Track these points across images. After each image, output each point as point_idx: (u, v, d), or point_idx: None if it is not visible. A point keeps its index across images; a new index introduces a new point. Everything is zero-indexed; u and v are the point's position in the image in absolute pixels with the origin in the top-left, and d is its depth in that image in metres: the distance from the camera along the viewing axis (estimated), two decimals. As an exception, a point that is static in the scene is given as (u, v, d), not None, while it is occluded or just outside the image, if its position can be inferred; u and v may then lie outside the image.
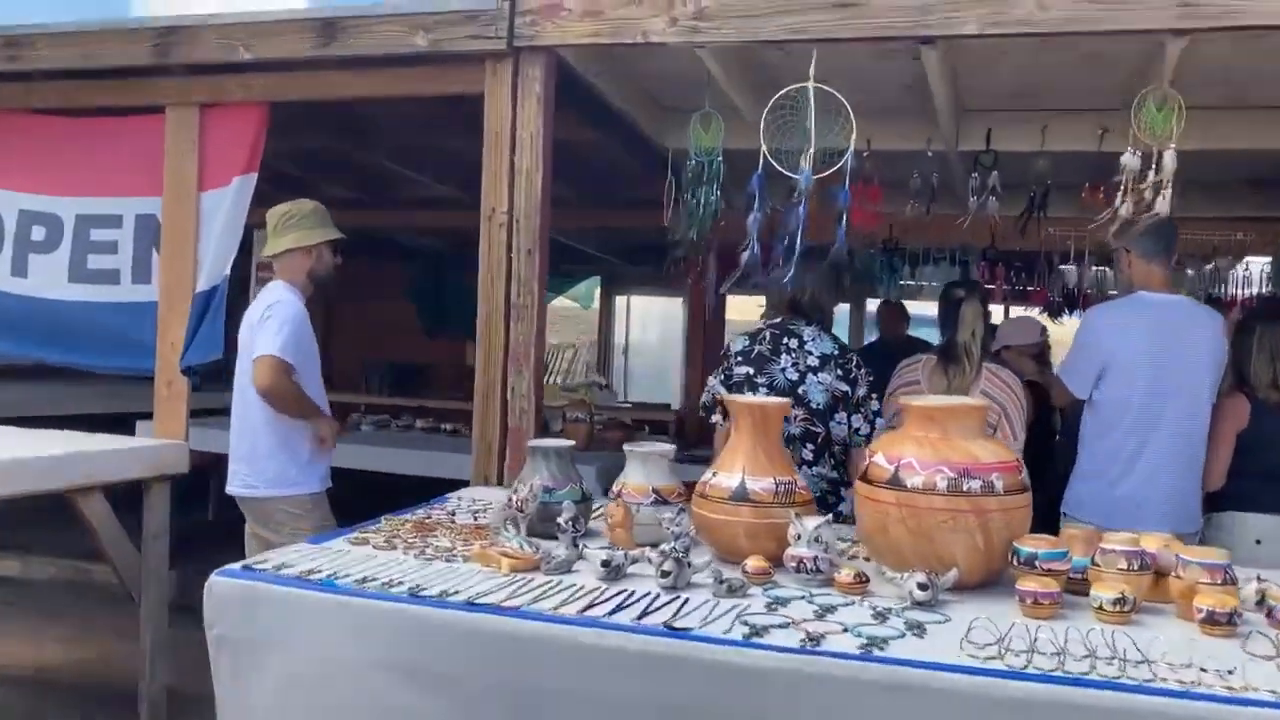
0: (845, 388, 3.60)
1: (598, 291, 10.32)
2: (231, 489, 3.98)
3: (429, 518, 3.17)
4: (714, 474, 2.82)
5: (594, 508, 3.11)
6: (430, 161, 6.18)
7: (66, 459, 3.76)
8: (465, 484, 3.83)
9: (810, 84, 3.34)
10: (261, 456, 3.84)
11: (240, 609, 2.50)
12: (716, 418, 3.69)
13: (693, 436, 6.16)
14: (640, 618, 2.25)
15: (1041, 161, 4.73)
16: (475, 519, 3.18)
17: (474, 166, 3.86)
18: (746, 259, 3.49)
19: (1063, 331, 5.57)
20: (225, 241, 4.23)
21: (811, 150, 3.28)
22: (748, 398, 3.19)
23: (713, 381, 3.73)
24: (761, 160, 3.41)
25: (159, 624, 4.19)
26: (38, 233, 4.46)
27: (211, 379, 5.11)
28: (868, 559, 2.69)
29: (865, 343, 8.29)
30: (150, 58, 4.18)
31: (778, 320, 3.72)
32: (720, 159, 3.80)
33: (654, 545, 2.60)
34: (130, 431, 5.99)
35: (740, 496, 2.73)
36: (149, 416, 6.88)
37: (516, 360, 3.78)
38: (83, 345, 4.45)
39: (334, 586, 2.46)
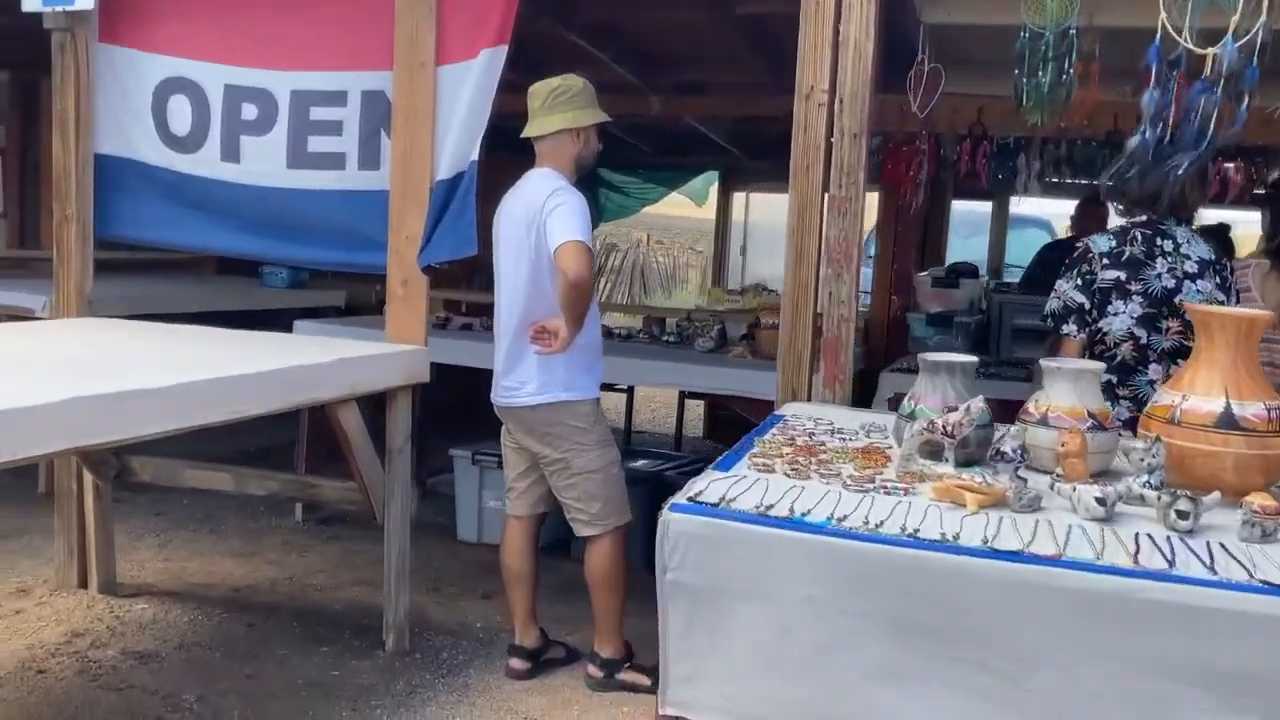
0: (1222, 297, 3.19)
1: (714, 188, 9.80)
2: (503, 399, 3.59)
3: (793, 440, 2.79)
4: (1183, 397, 2.43)
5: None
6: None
7: (330, 368, 3.35)
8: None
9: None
10: (548, 359, 3.43)
11: (704, 551, 2.12)
12: (1070, 328, 3.29)
13: (876, 346, 5.76)
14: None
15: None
16: (844, 442, 2.80)
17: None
18: (1135, 145, 3.04)
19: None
20: (470, 124, 3.74)
21: (1237, 16, 2.82)
22: (1229, 310, 2.82)
23: (1065, 286, 3.32)
24: (1160, 29, 2.94)
25: (402, 545, 3.84)
26: (248, 111, 3.96)
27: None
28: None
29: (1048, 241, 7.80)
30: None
31: (1143, 219, 3.29)
32: (1075, 30, 3.32)
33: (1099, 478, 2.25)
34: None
35: (1228, 424, 2.35)
36: (251, 315, 6.52)
37: (835, 260, 3.35)
38: (303, 239, 4.00)
39: (822, 527, 2.09)
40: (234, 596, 4.33)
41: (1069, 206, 6.69)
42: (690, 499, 2.19)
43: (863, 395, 4.63)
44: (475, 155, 3.75)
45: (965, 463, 2.49)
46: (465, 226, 3.75)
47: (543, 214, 3.38)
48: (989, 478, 2.35)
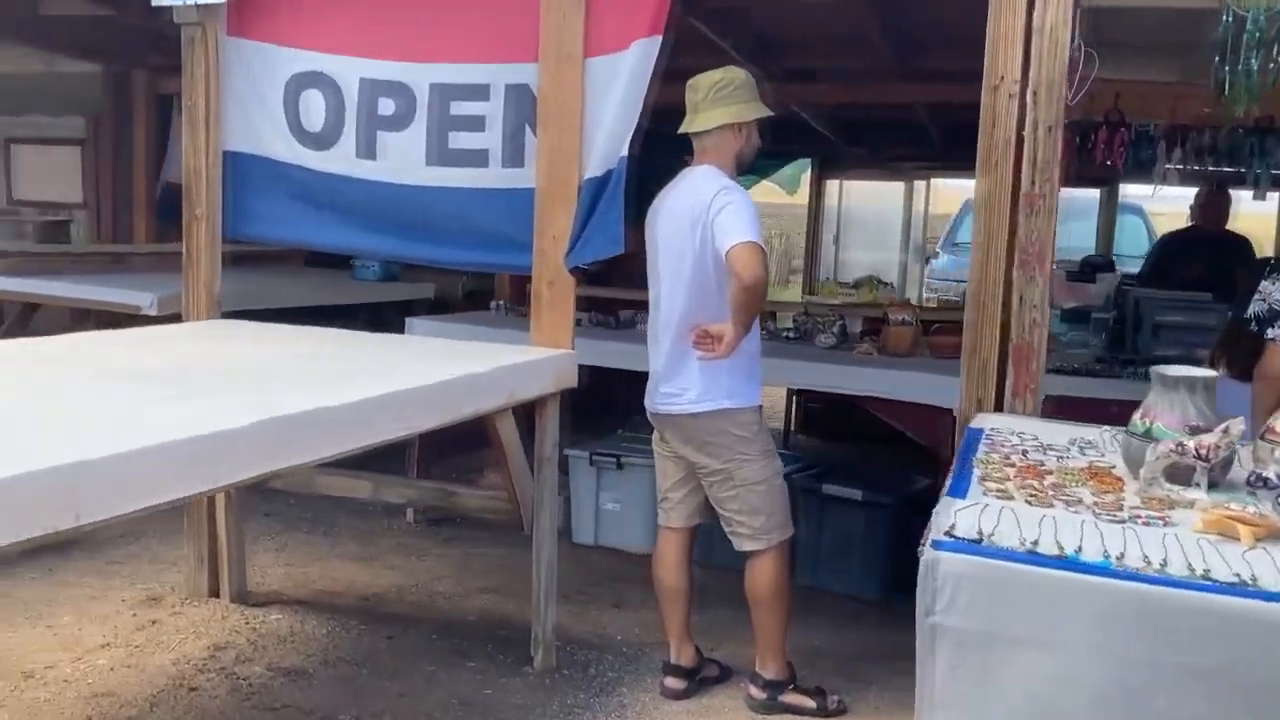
0: None
1: (806, 175, 9.57)
2: (661, 406, 3.43)
3: (1010, 460, 2.60)
4: None
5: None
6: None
7: (493, 377, 3.20)
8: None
9: None
10: (711, 365, 3.27)
11: (974, 593, 1.95)
12: (1276, 332, 3.07)
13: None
14: None
15: None
16: (1060, 460, 2.61)
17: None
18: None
19: None
20: (622, 119, 3.56)
21: None
22: None
23: (1271, 289, 3.11)
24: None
25: (551, 559, 3.69)
26: (385, 106, 3.81)
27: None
28: None
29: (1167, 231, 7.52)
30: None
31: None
32: (1289, 14, 3.09)
33: None
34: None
35: None
36: (344, 309, 6.39)
37: (1027, 262, 3.15)
38: (441, 239, 3.85)
39: (1103, 568, 1.90)
40: (364, 606, 4.22)
41: (1168, 192, 6.43)
42: (952, 534, 2.01)
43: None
44: (625, 151, 3.57)
45: (1213, 486, 2.29)
46: (614, 225, 3.58)
47: (710, 213, 3.21)
48: (1259, 507, 2.15)
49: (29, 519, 1.76)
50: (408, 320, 5.36)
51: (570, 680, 3.63)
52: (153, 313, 5.53)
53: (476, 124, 3.74)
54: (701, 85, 3.35)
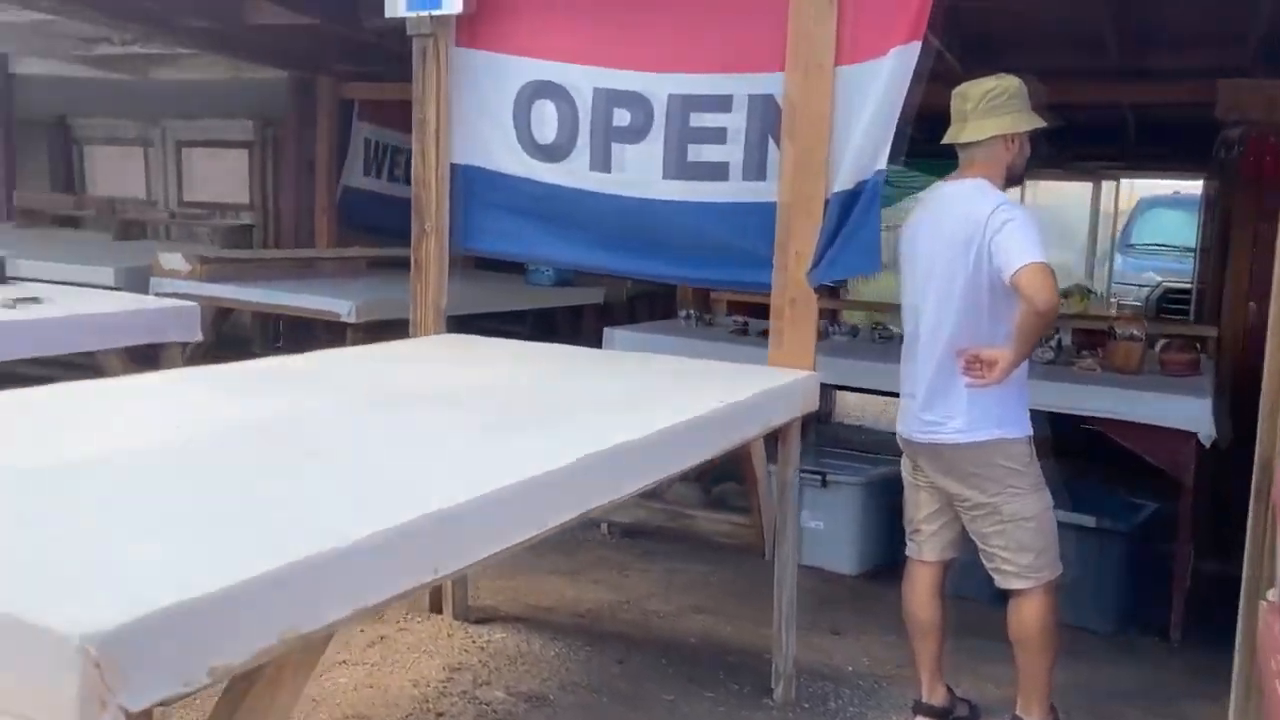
0: None
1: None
2: (920, 434, 3.25)
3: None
4: None
5: None
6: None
7: (752, 405, 3.06)
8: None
9: None
10: (980, 392, 3.08)
11: None
12: None
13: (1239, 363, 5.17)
14: None
15: None
16: None
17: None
18: None
19: None
20: (876, 129, 3.39)
21: None
22: None
23: None
24: None
25: (793, 587, 3.57)
26: (621, 117, 3.72)
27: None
28: None
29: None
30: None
31: None
32: None
33: None
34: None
35: None
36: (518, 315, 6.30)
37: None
38: (679, 255, 3.74)
39: None
40: (581, 624, 4.15)
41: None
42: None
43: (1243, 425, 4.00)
44: (881, 164, 3.41)
45: None
46: (870, 241, 3.41)
47: (986, 232, 3.02)
48: None
49: (393, 578, 1.69)
50: (606, 331, 5.28)
51: (813, 714, 3.50)
52: (350, 320, 5.58)
53: (717, 136, 3.62)
54: (971, 94, 3.16)
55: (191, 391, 2.72)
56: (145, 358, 4.15)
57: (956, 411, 3.17)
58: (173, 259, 5.89)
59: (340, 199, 7.32)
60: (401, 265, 7.06)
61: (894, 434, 3.41)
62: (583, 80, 3.76)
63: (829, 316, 6.08)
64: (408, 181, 7.85)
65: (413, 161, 4.01)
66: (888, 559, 4.51)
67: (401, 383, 2.97)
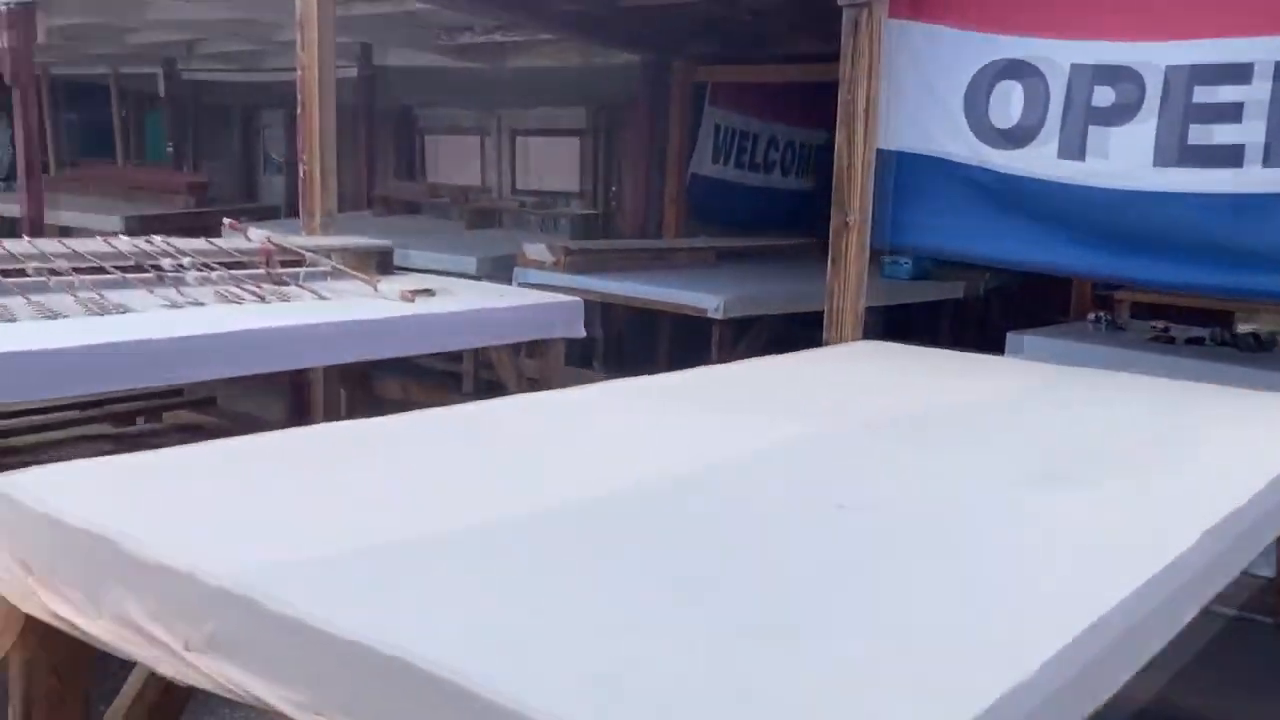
0: None
1: None
2: None
3: None
4: None
5: None
6: None
7: None
8: None
9: None
10: None
11: None
12: None
13: None
14: None
15: None
16: None
17: None
18: None
19: None
20: None
21: None
22: None
23: None
24: None
25: None
26: (1102, 96, 3.16)
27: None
28: None
29: None
30: None
31: None
32: None
33: None
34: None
35: None
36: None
37: None
38: (1176, 256, 3.15)
39: None
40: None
41: None
42: None
43: None
44: None
45: None
46: None
47: None
48: None
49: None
50: (1010, 337, 4.68)
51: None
52: (717, 316, 5.28)
53: (1231, 113, 2.99)
54: None
55: (637, 408, 2.43)
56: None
57: None
58: (537, 250, 5.80)
59: (688, 188, 7.09)
60: (753, 257, 6.85)
61: None
62: (1058, 55, 3.22)
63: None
64: (754, 168, 7.69)
65: (836, 147, 3.60)
66: None
67: (876, 404, 2.56)
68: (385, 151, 9.35)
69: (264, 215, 8.31)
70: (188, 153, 10.04)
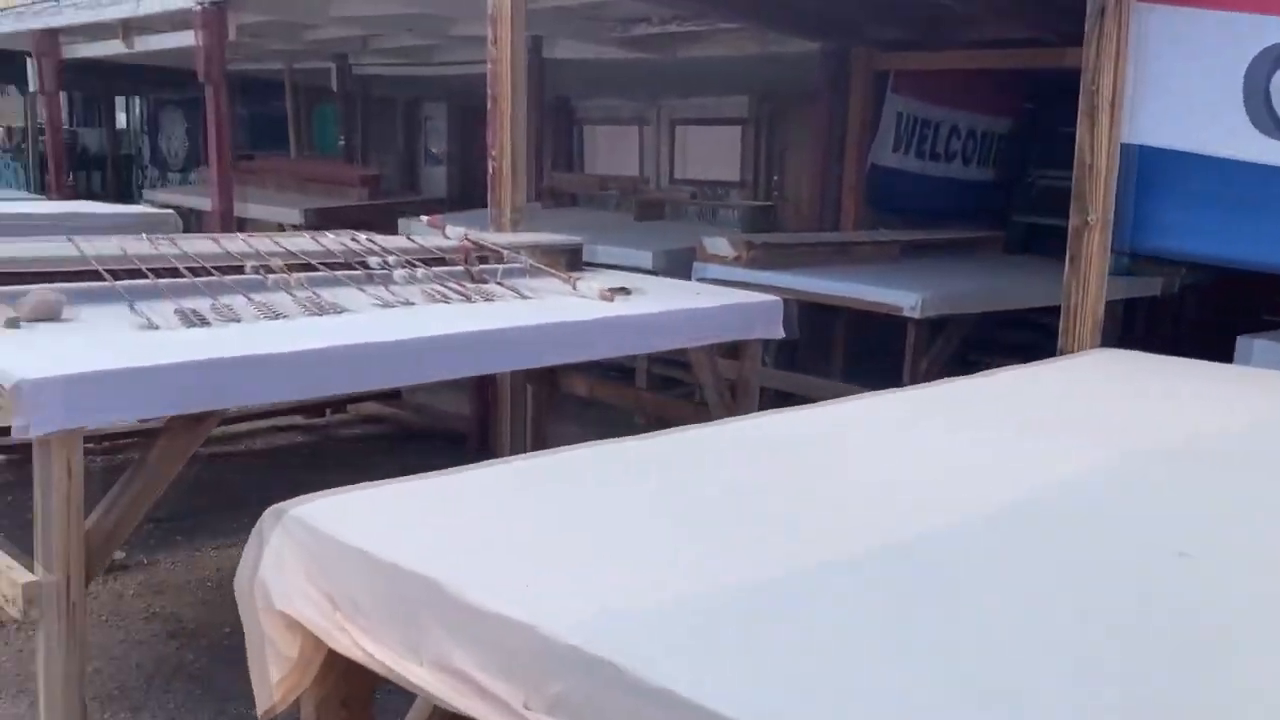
0: None
1: None
2: None
3: None
4: None
5: None
6: None
7: None
8: None
9: None
10: None
11: None
12: None
13: None
14: None
15: None
16: None
17: None
18: None
19: None
20: None
21: None
22: None
23: None
24: None
25: None
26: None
27: None
28: None
29: None
30: None
31: None
32: None
33: None
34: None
35: None
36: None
37: None
38: None
39: None
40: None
41: None
42: None
43: None
44: None
45: None
46: None
47: None
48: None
49: None
50: (1241, 341, 4.32)
51: None
52: (914, 315, 5.04)
53: None
54: None
55: (920, 426, 2.26)
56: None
57: None
58: (718, 243, 5.66)
59: (867, 179, 6.83)
60: (937, 251, 6.54)
61: None
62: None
63: None
64: (935, 158, 7.38)
65: (1078, 141, 3.35)
66: None
67: (1164, 426, 2.34)
68: (546, 143, 9.35)
69: (430, 209, 8.40)
70: (357, 145, 10.25)
